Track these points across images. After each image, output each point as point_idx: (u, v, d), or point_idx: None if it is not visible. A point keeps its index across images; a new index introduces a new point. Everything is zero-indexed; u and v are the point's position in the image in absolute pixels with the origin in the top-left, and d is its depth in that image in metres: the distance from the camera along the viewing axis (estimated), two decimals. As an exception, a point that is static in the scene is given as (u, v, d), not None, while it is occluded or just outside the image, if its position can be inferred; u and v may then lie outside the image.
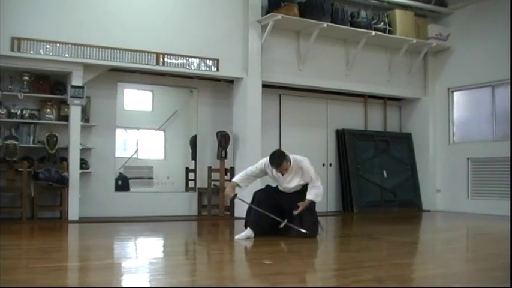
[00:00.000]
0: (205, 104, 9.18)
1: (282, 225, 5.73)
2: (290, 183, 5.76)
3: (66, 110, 7.81)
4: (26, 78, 7.66)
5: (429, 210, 10.26)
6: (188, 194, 9.09)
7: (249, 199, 6.02)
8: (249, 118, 8.54)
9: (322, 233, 5.93)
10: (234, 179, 6.02)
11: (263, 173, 5.89)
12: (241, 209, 8.38)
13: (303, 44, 9.08)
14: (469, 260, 5.01)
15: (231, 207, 8.61)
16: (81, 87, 7.58)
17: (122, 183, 9.35)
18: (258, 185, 6.79)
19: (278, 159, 5.64)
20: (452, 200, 10.16)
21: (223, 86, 9.17)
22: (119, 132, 9.57)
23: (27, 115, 7.70)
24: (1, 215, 7.09)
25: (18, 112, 7.65)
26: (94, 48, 7.58)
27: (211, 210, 8.53)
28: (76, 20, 7.52)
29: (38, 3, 7.33)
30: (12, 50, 7.14)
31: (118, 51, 7.73)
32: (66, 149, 7.70)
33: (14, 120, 7.62)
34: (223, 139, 8.63)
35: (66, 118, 7.78)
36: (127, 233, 6.64)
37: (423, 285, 3.57)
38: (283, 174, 5.71)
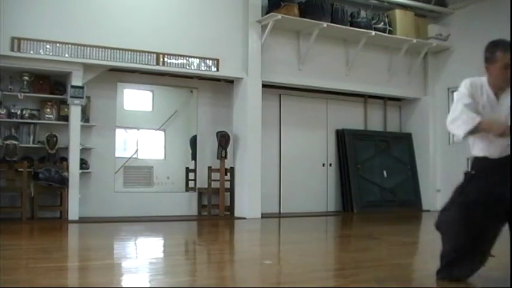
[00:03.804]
0: (205, 104, 9.18)
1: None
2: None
3: (66, 110, 7.81)
4: (26, 78, 7.66)
5: (429, 210, 10.25)
6: (188, 194, 9.09)
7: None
8: (249, 118, 8.54)
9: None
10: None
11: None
12: (240, 210, 8.44)
13: (303, 44, 9.08)
14: (469, 260, 4.99)
15: (231, 208, 8.62)
16: (81, 87, 7.58)
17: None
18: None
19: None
20: (452, 200, 10.13)
21: (223, 86, 9.17)
22: (119, 132, 9.58)
23: (27, 115, 7.70)
24: (1, 215, 7.08)
25: (18, 112, 7.65)
26: (94, 48, 7.58)
27: (211, 210, 8.52)
28: (76, 20, 7.52)
29: (38, 3, 7.33)
30: (12, 50, 7.14)
31: (118, 51, 7.73)
32: (66, 149, 7.70)
33: (14, 120, 7.62)
34: (223, 139, 8.63)
35: (66, 118, 7.78)
36: (127, 233, 6.63)
37: (423, 285, 3.57)
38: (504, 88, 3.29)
